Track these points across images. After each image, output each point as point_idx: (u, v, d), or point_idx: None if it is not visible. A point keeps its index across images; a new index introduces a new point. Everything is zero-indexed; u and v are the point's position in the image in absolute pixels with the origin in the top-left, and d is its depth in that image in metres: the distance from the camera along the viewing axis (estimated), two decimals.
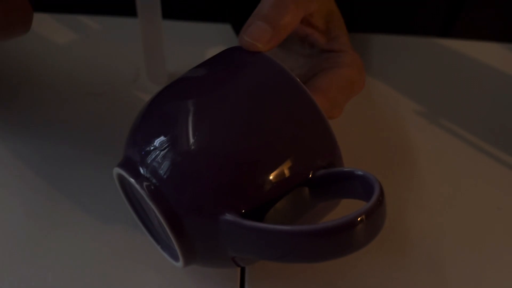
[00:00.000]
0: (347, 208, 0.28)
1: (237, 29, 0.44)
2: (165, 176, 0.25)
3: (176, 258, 0.28)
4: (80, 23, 0.46)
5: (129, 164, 0.27)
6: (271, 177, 0.25)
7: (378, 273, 0.32)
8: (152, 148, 0.26)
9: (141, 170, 0.26)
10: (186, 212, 0.25)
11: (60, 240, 0.32)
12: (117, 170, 0.27)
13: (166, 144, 0.26)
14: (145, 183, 0.26)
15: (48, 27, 0.45)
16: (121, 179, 0.28)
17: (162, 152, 0.26)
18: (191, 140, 0.25)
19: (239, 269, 0.32)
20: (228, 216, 0.24)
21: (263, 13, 0.28)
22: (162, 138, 0.26)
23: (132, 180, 0.26)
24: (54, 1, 0.47)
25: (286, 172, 0.25)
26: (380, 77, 0.44)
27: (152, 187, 0.26)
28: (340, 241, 0.23)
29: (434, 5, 0.52)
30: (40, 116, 0.39)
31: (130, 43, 0.44)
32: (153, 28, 0.38)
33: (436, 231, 0.34)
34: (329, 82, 0.30)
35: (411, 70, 0.45)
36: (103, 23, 0.46)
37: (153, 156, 0.26)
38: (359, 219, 0.23)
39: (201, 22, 0.47)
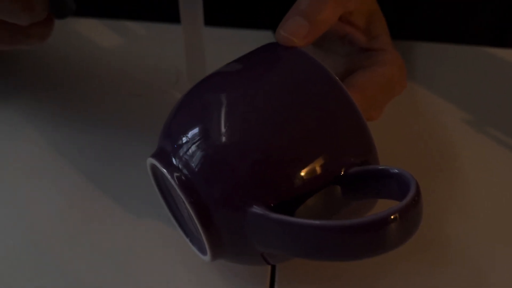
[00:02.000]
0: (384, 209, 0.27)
1: None
2: (196, 167, 0.25)
3: (204, 252, 0.27)
4: (126, 28, 0.47)
5: (162, 155, 0.27)
6: (301, 172, 0.25)
7: (418, 283, 0.31)
8: (184, 139, 0.26)
9: (174, 161, 0.26)
10: (215, 203, 0.25)
11: (93, 232, 0.33)
12: (150, 160, 0.27)
13: (199, 136, 0.26)
14: (175, 174, 0.26)
15: (97, 32, 0.47)
16: (154, 170, 0.29)
17: (194, 144, 0.26)
18: (223, 132, 0.25)
19: (269, 268, 0.31)
20: (256, 209, 0.24)
21: (301, 8, 0.28)
22: (195, 129, 0.26)
23: (164, 170, 0.26)
24: (104, 7, 0.48)
25: (318, 167, 0.25)
26: (425, 85, 0.43)
27: (183, 178, 0.26)
28: (372, 239, 0.22)
29: (487, 14, 0.51)
30: (82, 113, 0.40)
31: (172, 49, 0.45)
32: (195, 34, 0.39)
33: (480, 240, 0.33)
34: (367, 79, 0.29)
35: (459, 78, 0.44)
36: (148, 29, 0.47)
37: (185, 148, 0.26)
38: (392, 217, 0.22)
39: (242, 29, 0.47)
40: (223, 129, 0.25)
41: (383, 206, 0.27)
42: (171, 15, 0.45)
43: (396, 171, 0.24)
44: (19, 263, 0.31)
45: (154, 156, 0.27)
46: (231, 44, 0.46)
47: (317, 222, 0.22)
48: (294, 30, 0.27)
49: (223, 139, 0.25)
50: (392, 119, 0.39)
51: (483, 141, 0.39)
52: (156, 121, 0.39)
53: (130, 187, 0.35)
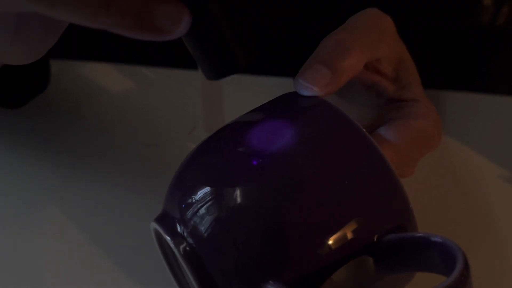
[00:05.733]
0: (423, 285, 0.23)
1: None
2: (203, 235, 0.22)
3: None
4: (140, 74, 0.46)
5: (166, 220, 0.24)
6: (326, 241, 0.21)
7: None
8: (191, 202, 0.23)
9: (178, 228, 0.23)
10: (223, 278, 0.22)
11: None
12: (153, 225, 0.24)
13: (208, 199, 0.23)
14: (180, 244, 0.23)
15: (110, 77, 0.45)
16: (158, 235, 0.25)
17: (202, 209, 0.23)
18: (236, 195, 0.22)
19: None
20: (272, 285, 0.20)
21: (322, 55, 0.25)
22: (203, 192, 0.23)
23: (167, 237, 0.23)
24: (116, 51, 0.47)
25: (346, 235, 0.22)
26: (459, 138, 0.40)
27: (188, 248, 0.22)
28: None
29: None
30: (93, 164, 0.38)
31: (189, 95, 0.43)
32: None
33: None
34: (399, 133, 0.26)
35: (495, 131, 0.41)
36: (162, 74, 0.46)
37: (192, 213, 0.23)
38: None
39: (263, 76, 0.45)
40: (235, 191, 0.22)
41: (422, 280, 0.23)
42: (187, 60, 0.44)
43: (438, 240, 0.21)
44: None
45: (158, 220, 0.24)
46: (250, 91, 0.44)
47: None
48: (314, 78, 0.25)
49: (236, 202, 0.22)
50: (424, 176, 0.35)
51: None
52: (169, 174, 0.37)
53: (136, 252, 0.32)
